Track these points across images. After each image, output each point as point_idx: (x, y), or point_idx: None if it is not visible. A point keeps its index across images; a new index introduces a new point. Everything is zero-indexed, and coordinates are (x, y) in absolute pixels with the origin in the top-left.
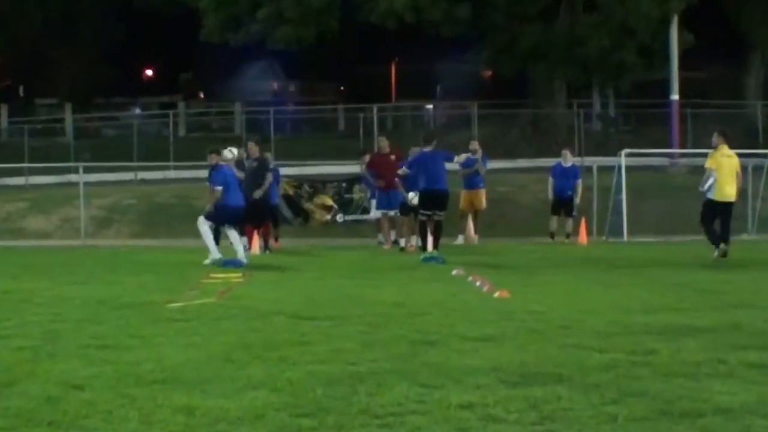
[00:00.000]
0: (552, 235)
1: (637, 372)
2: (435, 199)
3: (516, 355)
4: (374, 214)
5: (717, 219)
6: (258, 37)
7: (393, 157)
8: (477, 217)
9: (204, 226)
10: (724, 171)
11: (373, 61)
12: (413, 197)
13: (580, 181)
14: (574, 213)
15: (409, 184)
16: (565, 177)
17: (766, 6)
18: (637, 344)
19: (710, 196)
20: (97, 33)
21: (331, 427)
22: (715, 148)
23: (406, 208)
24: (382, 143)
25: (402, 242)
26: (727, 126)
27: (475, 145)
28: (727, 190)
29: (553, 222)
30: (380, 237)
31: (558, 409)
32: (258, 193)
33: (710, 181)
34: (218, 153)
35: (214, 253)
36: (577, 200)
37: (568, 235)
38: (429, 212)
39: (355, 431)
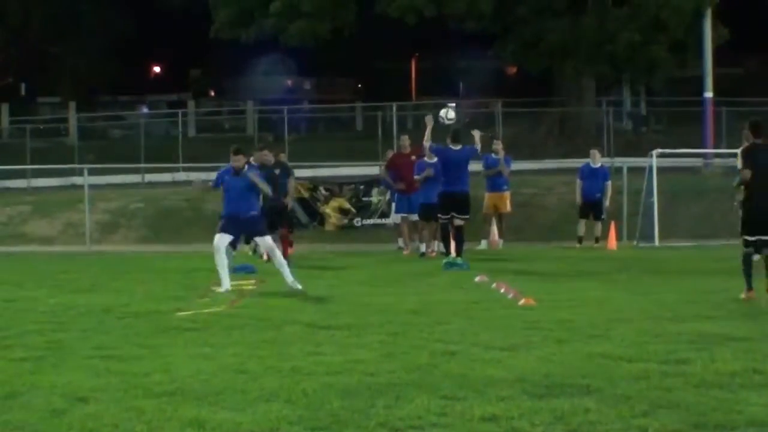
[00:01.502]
0: (580, 240)
1: (669, 383)
2: (453, 201)
3: (542, 365)
4: (394, 218)
5: None
6: (271, 32)
7: (413, 157)
8: (501, 221)
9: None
10: None
11: (393, 57)
12: (447, 111)
13: (609, 183)
14: (603, 216)
15: (426, 186)
16: (594, 178)
17: None
18: (668, 354)
19: None
20: (103, 27)
21: None
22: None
23: (426, 214)
24: (405, 142)
25: (423, 247)
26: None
27: (498, 145)
28: None
29: (581, 226)
30: (400, 242)
31: (585, 422)
32: (289, 201)
33: None
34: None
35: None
36: (607, 203)
37: (596, 240)
38: (448, 216)
39: None
